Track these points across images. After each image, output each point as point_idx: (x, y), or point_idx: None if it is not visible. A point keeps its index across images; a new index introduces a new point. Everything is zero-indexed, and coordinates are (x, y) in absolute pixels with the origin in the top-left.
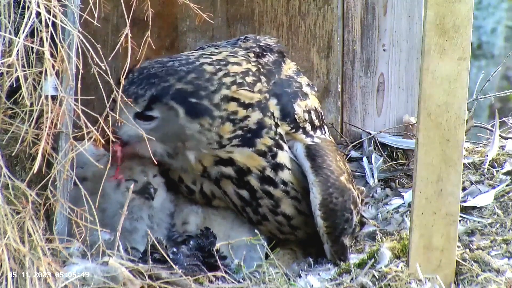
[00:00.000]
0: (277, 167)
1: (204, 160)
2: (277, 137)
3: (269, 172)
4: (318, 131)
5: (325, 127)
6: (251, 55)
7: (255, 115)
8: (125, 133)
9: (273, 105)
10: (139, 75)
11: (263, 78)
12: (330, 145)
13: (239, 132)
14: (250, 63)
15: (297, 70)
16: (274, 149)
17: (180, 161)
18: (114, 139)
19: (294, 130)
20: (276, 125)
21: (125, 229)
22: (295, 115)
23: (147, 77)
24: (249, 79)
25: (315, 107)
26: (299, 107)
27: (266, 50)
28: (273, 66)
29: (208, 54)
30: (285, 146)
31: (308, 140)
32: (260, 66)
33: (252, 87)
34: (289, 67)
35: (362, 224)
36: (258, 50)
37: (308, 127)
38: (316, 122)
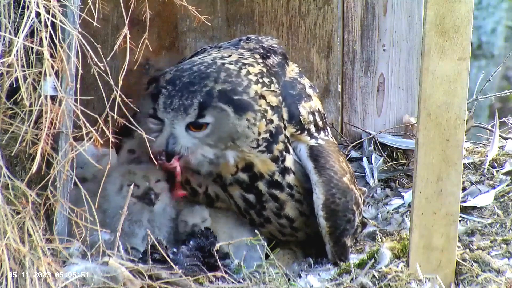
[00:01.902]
0: (285, 171)
1: (239, 163)
2: (286, 141)
3: (277, 176)
4: (322, 133)
5: (328, 128)
6: (257, 56)
7: (275, 119)
8: (183, 147)
9: (282, 108)
10: (175, 87)
11: (274, 80)
12: (333, 146)
13: (267, 135)
14: (259, 64)
15: (299, 72)
16: (284, 153)
17: (216, 165)
18: (114, 140)
19: (299, 132)
20: (284, 128)
21: (124, 232)
22: (300, 117)
23: (185, 87)
24: (266, 80)
25: (318, 108)
26: (304, 109)
27: (270, 52)
28: (279, 68)
29: (220, 56)
30: (291, 149)
31: (312, 142)
32: (268, 68)
33: (271, 87)
34: (291, 69)
35: (363, 224)
36: (262, 51)
37: (313, 128)
38: (320, 123)
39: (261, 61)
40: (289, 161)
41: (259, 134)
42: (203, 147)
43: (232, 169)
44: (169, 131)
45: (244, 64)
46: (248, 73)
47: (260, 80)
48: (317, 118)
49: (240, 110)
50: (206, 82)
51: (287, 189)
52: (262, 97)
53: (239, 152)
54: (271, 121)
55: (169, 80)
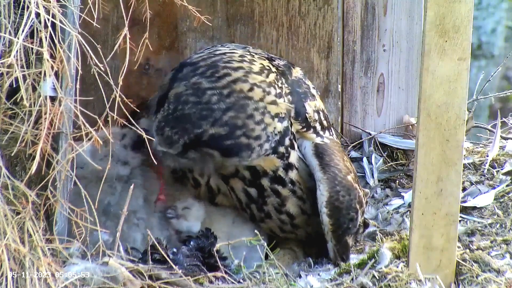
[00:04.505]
0: (288, 167)
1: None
2: (291, 137)
3: (280, 171)
4: (327, 132)
5: (332, 129)
6: (263, 59)
7: (284, 126)
8: (169, 164)
9: (290, 105)
10: (174, 111)
11: (283, 79)
12: (337, 145)
13: (275, 143)
14: (272, 72)
15: (303, 74)
16: (289, 149)
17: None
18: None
19: (305, 129)
20: (291, 125)
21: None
22: (306, 114)
23: (181, 119)
24: (279, 83)
25: (322, 108)
26: (310, 107)
27: (274, 57)
28: (285, 68)
29: (248, 61)
30: (296, 145)
31: (318, 140)
32: (276, 67)
33: (281, 95)
34: (296, 71)
35: (365, 225)
36: (267, 56)
37: (318, 127)
38: (325, 123)
39: (268, 62)
40: (293, 157)
41: (261, 147)
42: (193, 166)
43: (233, 169)
44: (157, 147)
45: (268, 72)
46: (269, 93)
47: (278, 91)
48: (322, 118)
49: (230, 154)
50: (202, 122)
51: (290, 185)
52: (276, 116)
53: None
54: (280, 132)
55: (176, 96)
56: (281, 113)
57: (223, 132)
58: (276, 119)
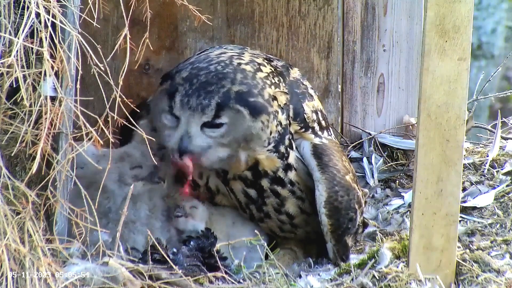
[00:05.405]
0: (288, 167)
1: (249, 161)
2: (290, 137)
3: (280, 172)
4: (325, 132)
5: (330, 129)
6: (262, 58)
7: (284, 120)
8: (198, 146)
9: (289, 105)
10: (191, 86)
11: (281, 79)
12: (336, 145)
13: (277, 135)
14: (267, 65)
15: (301, 75)
16: (288, 149)
17: (227, 163)
18: (113, 140)
19: (303, 129)
20: (289, 125)
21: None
22: (305, 115)
23: (202, 86)
24: (276, 79)
25: (320, 108)
26: (308, 107)
27: (273, 58)
28: (283, 69)
29: (236, 55)
30: (294, 145)
31: (317, 140)
32: (273, 69)
33: (280, 88)
34: (294, 71)
35: (365, 225)
36: (265, 56)
37: (317, 127)
38: (323, 123)
39: (267, 62)
40: (292, 158)
41: (271, 134)
42: (216, 147)
43: (243, 167)
44: (184, 129)
45: (258, 64)
46: (262, 74)
47: (272, 81)
48: (320, 118)
49: (256, 112)
50: (223, 82)
51: (289, 185)
52: (274, 98)
53: (251, 152)
54: (280, 123)
55: (185, 78)
56: (279, 100)
57: (245, 89)
58: (276, 102)
